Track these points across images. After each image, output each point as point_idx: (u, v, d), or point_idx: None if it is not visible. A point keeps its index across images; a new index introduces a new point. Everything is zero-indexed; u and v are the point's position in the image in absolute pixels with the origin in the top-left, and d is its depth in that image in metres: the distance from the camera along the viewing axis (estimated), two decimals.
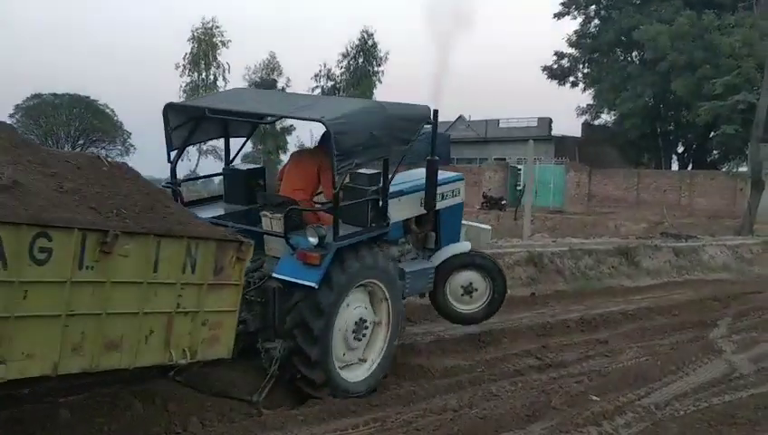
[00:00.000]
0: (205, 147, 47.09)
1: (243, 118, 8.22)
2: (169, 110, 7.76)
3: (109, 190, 5.10)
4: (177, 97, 46.03)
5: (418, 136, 7.83)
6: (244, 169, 8.57)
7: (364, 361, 7.47)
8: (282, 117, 7.67)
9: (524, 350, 9.30)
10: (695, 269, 17.94)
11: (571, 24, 51.89)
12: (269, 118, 8.64)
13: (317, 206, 7.85)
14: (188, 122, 7.88)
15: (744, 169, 36.70)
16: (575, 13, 50.10)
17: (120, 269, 4.78)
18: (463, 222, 9.41)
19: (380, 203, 7.58)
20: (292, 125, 44.64)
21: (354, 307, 7.24)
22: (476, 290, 8.99)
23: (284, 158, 50.81)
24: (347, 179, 7.37)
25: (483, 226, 10.43)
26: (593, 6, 49.99)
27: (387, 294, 7.55)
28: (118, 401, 5.79)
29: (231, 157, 8.70)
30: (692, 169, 47.33)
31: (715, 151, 45.57)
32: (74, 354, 4.56)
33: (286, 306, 6.80)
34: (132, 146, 51.50)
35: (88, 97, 48.35)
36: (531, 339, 9.88)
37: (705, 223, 29.31)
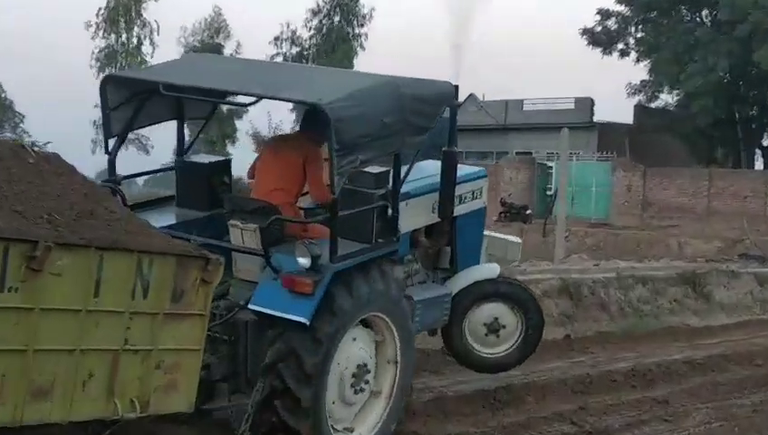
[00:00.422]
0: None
1: (211, 99, 8.11)
2: (109, 84, 7.60)
3: (37, 189, 5.04)
4: (88, 67, 46.15)
5: (438, 122, 7.74)
6: (205, 162, 8.39)
7: (351, 431, 7.23)
8: (263, 97, 7.26)
9: (556, 412, 9.25)
10: None
11: None
12: (247, 99, 7.88)
13: (303, 213, 7.60)
14: (132, 100, 7.60)
15: None
16: None
17: (52, 292, 4.70)
18: (486, 233, 9.40)
19: (390, 211, 7.40)
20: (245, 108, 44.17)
21: (358, 346, 7.10)
22: (504, 327, 8.98)
23: (232, 150, 50.81)
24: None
25: (511, 238, 10.38)
26: None
27: (401, 333, 7.42)
28: None
29: (185, 146, 8.48)
30: None
31: None
32: None
33: (265, 343, 6.61)
34: (26, 132, 51.36)
35: None
36: (565, 397, 9.84)
37: None
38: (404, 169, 7.45)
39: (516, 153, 50.14)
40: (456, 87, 8.10)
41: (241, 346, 6.70)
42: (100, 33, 45.69)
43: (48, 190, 5.08)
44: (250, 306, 6.58)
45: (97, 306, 4.95)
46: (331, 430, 6.87)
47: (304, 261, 6.45)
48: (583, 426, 8.81)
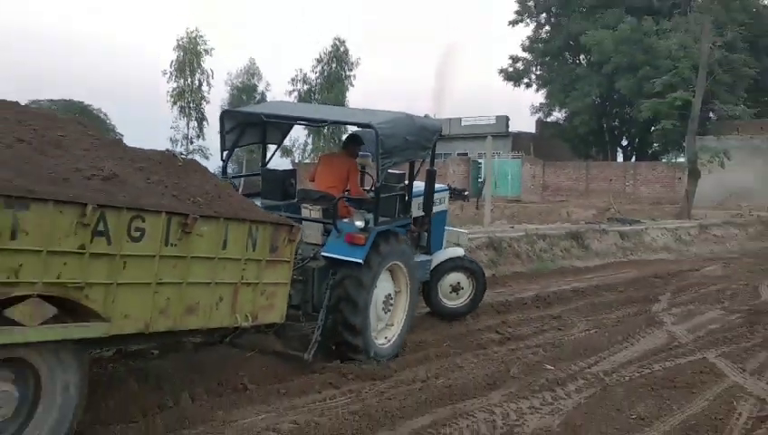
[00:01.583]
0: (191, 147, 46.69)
1: (306, 123, 8.91)
2: (225, 116, 8.26)
3: (185, 182, 5.37)
4: (165, 101, 45.64)
5: (434, 144, 8.56)
6: (281, 170, 8.89)
7: (391, 325, 7.81)
8: (338, 123, 8.54)
9: (486, 325, 9.30)
10: (638, 250, 18.16)
11: (525, 31, 52.04)
12: (325, 122, 8.85)
13: (349, 202, 7.98)
14: (237, 127, 8.16)
15: (681, 159, 37.16)
16: (528, 20, 50.32)
17: (197, 246, 5.08)
18: (446, 227, 9.61)
19: (406, 198, 8.27)
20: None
21: (383, 285, 7.51)
22: (462, 289, 9.35)
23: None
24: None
25: (461, 230, 10.57)
26: (544, 14, 50.24)
27: (407, 273, 7.89)
28: (113, 379, 5.75)
29: (266, 160, 8.87)
30: (635, 160, 47.77)
31: (655, 144, 46.02)
32: (161, 316, 4.90)
33: (330, 283, 7.05)
34: None
35: (82, 102, 47.74)
36: (492, 315, 9.88)
37: (648, 209, 29.62)
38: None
39: (457, 154, 49.87)
40: (441, 127, 9.08)
41: (309, 284, 7.10)
42: (173, 78, 44.94)
43: (191, 182, 5.43)
44: (323, 253, 7.12)
45: (224, 255, 5.35)
46: (374, 338, 7.37)
47: (360, 224, 7.04)
48: (504, 334, 8.85)
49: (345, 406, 5.79)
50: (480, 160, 44.29)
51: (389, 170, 7.98)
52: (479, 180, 41.80)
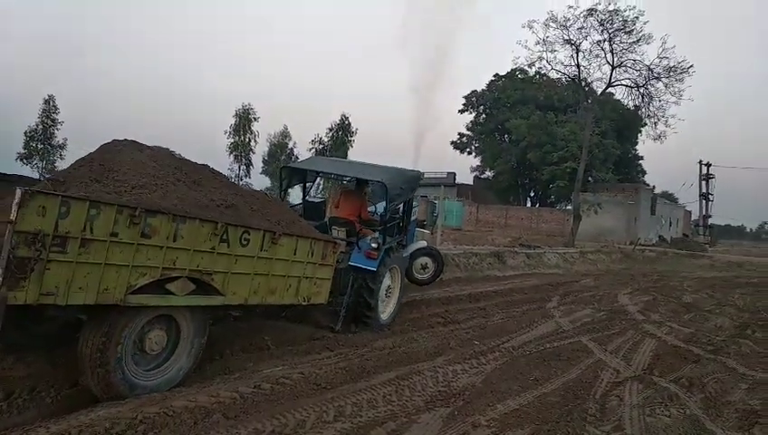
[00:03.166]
0: (241, 183, 46.34)
1: (338, 177, 9.12)
2: (284, 168, 8.89)
3: (272, 210, 5.73)
4: (224, 152, 45.26)
5: (417, 188, 8.72)
6: (317, 201, 8.97)
7: (389, 305, 8.01)
8: (359, 178, 8.50)
9: (434, 313, 9.27)
10: (539, 266, 18.20)
11: (468, 117, 52.54)
12: (350, 177, 8.84)
13: (361, 224, 8.16)
14: (288, 175, 8.50)
15: (569, 207, 37.48)
16: (471, 109, 50.94)
17: (279, 252, 5.40)
18: (416, 229, 9.75)
19: (401, 224, 8.51)
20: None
21: (386, 280, 7.74)
22: (428, 267, 9.38)
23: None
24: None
25: (425, 231, 10.66)
26: (482, 107, 50.84)
27: (399, 272, 8.20)
28: None
29: (305, 194, 8.92)
30: (539, 206, 48.10)
31: (552, 196, 46.35)
32: (254, 295, 5.23)
33: (353, 281, 7.28)
34: None
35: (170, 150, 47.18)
36: (438, 306, 9.85)
37: (546, 239, 29.75)
38: (403, 207, 8.61)
39: (420, 196, 49.88)
40: (421, 175, 9.28)
41: (339, 278, 7.00)
42: (231, 135, 44.78)
43: (275, 211, 5.80)
44: (349, 263, 7.26)
45: (294, 258, 5.63)
46: (380, 314, 7.63)
47: (374, 244, 7.37)
48: (446, 319, 8.79)
49: (336, 363, 5.72)
50: (435, 201, 44.24)
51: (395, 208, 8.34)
52: (434, 215, 41.62)
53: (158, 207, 4.30)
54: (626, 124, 40.92)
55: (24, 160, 36.95)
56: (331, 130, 46.29)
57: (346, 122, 46.45)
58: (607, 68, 26.52)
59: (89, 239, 3.87)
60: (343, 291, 7.27)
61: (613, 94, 32.82)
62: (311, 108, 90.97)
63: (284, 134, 47.49)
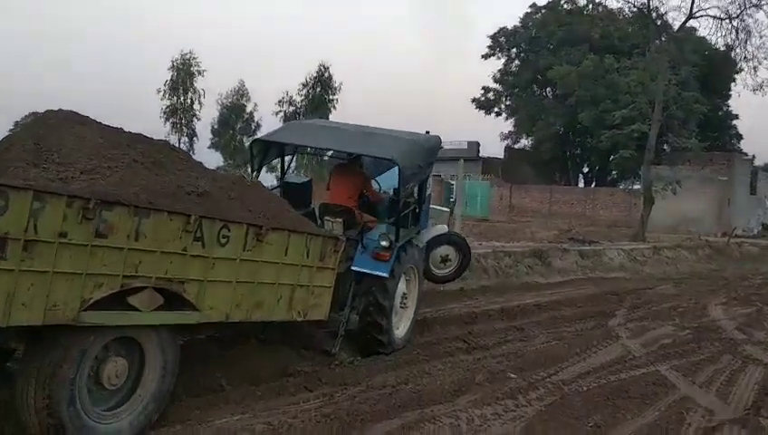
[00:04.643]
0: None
1: (331, 154, 9.32)
2: (255, 143, 8.83)
3: (254, 199, 5.88)
4: (158, 118, 45.24)
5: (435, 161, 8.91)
6: (299, 181, 9.14)
7: (405, 316, 8.27)
8: (360, 154, 8.44)
9: (454, 335, 9.20)
10: (596, 269, 18.15)
11: (496, 64, 52.42)
12: (351, 154, 8.76)
13: (361, 209, 8.26)
14: (262, 151, 8.55)
15: (637, 186, 37.41)
16: (499, 54, 50.76)
17: (266, 253, 5.58)
18: (430, 206, 9.87)
19: (416, 210, 8.68)
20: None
21: (400, 286, 7.92)
22: (450, 260, 9.62)
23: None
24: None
25: (442, 208, 10.87)
26: (514, 49, 50.67)
27: (417, 272, 8.42)
28: None
29: (283, 174, 9.10)
30: (595, 186, 48.11)
31: (614, 172, 46.39)
32: (237, 309, 5.43)
33: (358, 292, 7.49)
34: None
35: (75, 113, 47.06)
36: (459, 326, 9.78)
37: (606, 231, 29.72)
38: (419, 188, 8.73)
39: (432, 175, 49.93)
40: (440, 140, 9.34)
41: (338, 286, 6.97)
42: (166, 96, 44.66)
43: (257, 200, 5.97)
44: (353, 268, 7.38)
45: (285, 261, 5.83)
46: (394, 330, 7.80)
47: (386, 243, 7.39)
48: (470, 343, 8.76)
49: (318, 409, 5.65)
50: (452, 182, 44.31)
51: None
52: (451, 200, 41.57)
53: (115, 197, 4.42)
54: (714, 71, 40.77)
55: None
56: (305, 86, 46.30)
57: (325, 75, 46.41)
58: None
59: (33, 241, 3.97)
60: (342, 303, 7.36)
61: (696, 30, 32.76)
62: (277, 57, 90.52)
63: (240, 93, 47.56)
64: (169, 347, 5.09)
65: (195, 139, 45.73)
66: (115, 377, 4.77)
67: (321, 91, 46.12)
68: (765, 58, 26.97)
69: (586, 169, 51.32)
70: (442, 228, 9.66)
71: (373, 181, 8.76)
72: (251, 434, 4.98)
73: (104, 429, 4.69)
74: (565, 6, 46.44)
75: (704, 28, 37.33)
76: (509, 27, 50.57)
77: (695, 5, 26.40)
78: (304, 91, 46.21)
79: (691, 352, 8.93)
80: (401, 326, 8.10)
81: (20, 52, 70.56)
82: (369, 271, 7.36)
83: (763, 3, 25.84)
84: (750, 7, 26.12)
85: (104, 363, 4.69)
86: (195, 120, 45.71)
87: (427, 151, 8.51)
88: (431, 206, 9.80)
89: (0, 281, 3.87)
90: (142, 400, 4.96)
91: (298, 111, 45.03)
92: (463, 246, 9.70)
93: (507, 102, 52.03)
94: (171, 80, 44.66)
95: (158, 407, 5.09)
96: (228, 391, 6.08)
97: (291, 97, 46.08)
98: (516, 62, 51.06)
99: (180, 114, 44.81)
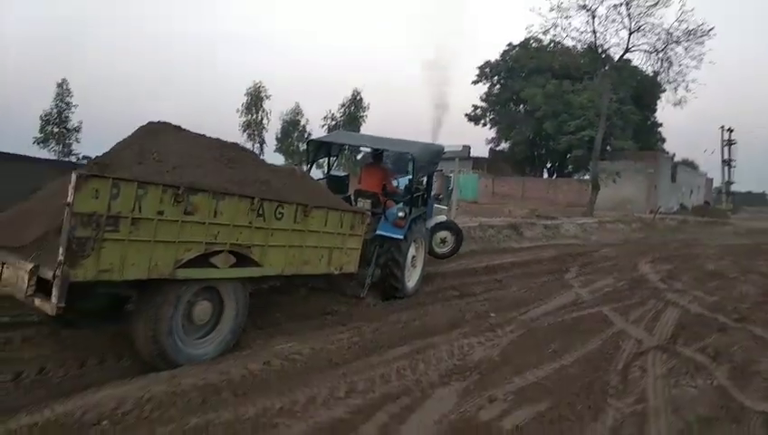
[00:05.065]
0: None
1: (367, 148, 9.21)
2: (310, 142, 8.87)
3: (303, 185, 5.90)
4: (238, 131, 45.14)
5: (439, 162, 8.93)
6: (340, 175, 9.00)
7: (414, 274, 8.13)
8: (388, 149, 8.72)
9: (450, 285, 9.08)
10: (556, 237, 17.94)
11: (483, 88, 51.66)
12: (380, 148, 8.75)
13: (385, 196, 8.26)
14: (314, 149, 8.58)
15: (587, 177, 36.88)
16: (485, 80, 50.04)
17: (311, 224, 5.54)
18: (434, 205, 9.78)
19: (424, 196, 8.64)
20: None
21: (411, 250, 7.81)
22: (446, 241, 9.46)
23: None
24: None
25: (442, 207, 10.53)
26: (496, 77, 49.85)
27: (423, 243, 8.30)
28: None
29: (329, 168, 9.10)
30: (556, 177, 47.46)
31: (570, 166, 45.67)
32: (290, 265, 5.40)
33: (380, 250, 7.42)
34: None
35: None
36: (454, 278, 9.65)
37: (564, 210, 29.37)
38: (427, 181, 8.83)
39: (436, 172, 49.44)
40: (443, 148, 9.31)
41: (365, 249, 6.84)
42: (243, 114, 44.60)
43: (306, 186, 5.99)
44: (377, 232, 7.38)
45: (326, 229, 5.76)
46: (406, 281, 7.75)
47: (401, 214, 7.48)
48: (462, 291, 8.63)
49: (349, 339, 5.62)
50: (450, 175, 43.93)
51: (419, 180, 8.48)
52: (449, 188, 41.32)
53: (199, 185, 4.49)
54: (644, 91, 39.85)
55: (41, 144, 37.27)
56: (343, 105, 45.94)
57: (358, 97, 46.06)
58: (624, 33, 25.91)
59: (138, 218, 4.07)
60: (368, 262, 7.35)
61: (630, 61, 31.99)
62: (322, 84, 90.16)
63: (296, 111, 47.20)
64: (241, 294, 5.10)
65: (264, 145, 45.58)
66: (202, 315, 4.84)
67: (354, 108, 45.77)
68: (683, 81, 26.40)
69: (549, 165, 50.57)
70: (442, 217, 9.59)
71: (395, 181, 9.04)
72: (300, 356, 4.96)
73: (194, 352, 4.77)
74: (533, 45, 45.56)
75: (637, 59, 36.52)
76: (492, 60, 49.88)
77: (630, 42, 25.90)
78: (342, 110, 45.90)
79: (626, 298, 8.78)
80: (412, 280, 8.02)
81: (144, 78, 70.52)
82: (389, 235, 7.38)
83: (681, 40, 25.22)
84: (671, 44, 25.58)
85: (194, 306, 4.76)
86: (264, 131, 45.58)
87: (433, 153, 8.50)
88: (435, 205, 9.68)
89: (115, 247, 3.98)
90: (222, 332, 5.00)
91: (338, 124, 44.72)
92: (457, 230, 9.56)
93: (491, 116, 51.14)
94: (247, 102, 44.55)
95: (234, 337, 5.11)
96: (284, 325, 6.08)
97: (332, 114, 45.82)
98: (497, 86, 50.15)
99: (253, 127, 44.67)
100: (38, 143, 37.17)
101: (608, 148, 36.35)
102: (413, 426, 3.80)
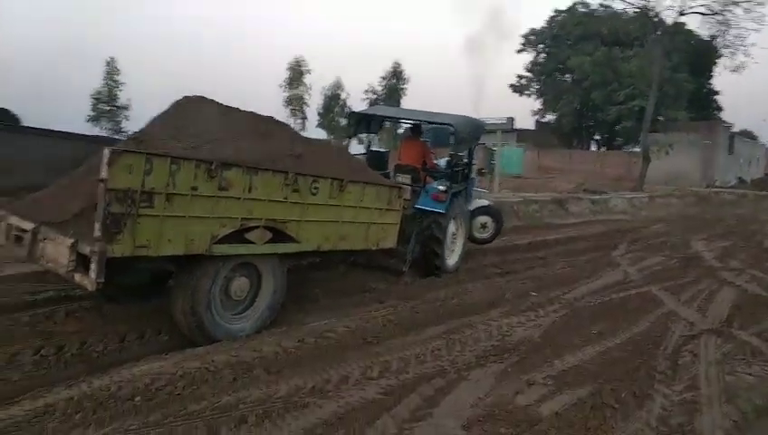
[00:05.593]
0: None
1: (408, 121, 8.84)
2: (351, 115, 8.72)
3: (339, 160, 5.77)
4: (281, 105, 45.34)
5: (480, 137, 8.64)
6: (382, 151, 8.97)
7: (454, 251, 7.98)
8: (430, 122, 8.41)
9: (491, 262, 8.90)
10: (603, 212, 17.43)
11: (527, 57, 50.17)
12: (421, 121, 8.61)
13: (425, 171, 8.12)
14: (356, 122, 8.44)
15: (637, 149, 35.63)
16: (530, 49, 48.59)
17: (347, 199, 5.44)
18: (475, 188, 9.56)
19: (465, 171, 8.40)
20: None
21: (450, 227, 7.69)
22: (487, 226, 9.22)
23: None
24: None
25: (483, 190, 10.41)
26: (541, 45, 48.30)
27: (462, 221, 8.11)
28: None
29: (369, 144, 9.04)
30: (604, 150, 46.00)
31: (619, 138, 44.14)
32: (326, 241, 5.32)
33: (420, 226, 7.29)
34: None
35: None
36: (495, 255, 9.46)
37: (612, 184, 28.43)
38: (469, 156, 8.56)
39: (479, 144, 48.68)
40: (485, 124, 9.22)
41: (405, 225, 6.70)
42: (285, 88, 44.73)
43: (343, 160, 5.87)
44: (416, 206, 7.21)
45: (362, 204, 5.65)
46: (446, 259, 7.63)
47: (442, 187, 7.37)
48: (502, 269, 8.44)
49: (385, 317, 5.52)
50: (494, 148, 43.08)
51: (458, 154, 8.32)
52: (492, 162, 40.50)
53: (232, 160, 4.42)
54: (700, 57, 37.96)
55: (94, 122, 38.48)
56: (384, 78, 45.49)
57: (398, 70, 45.48)
58: None
59: (172, 194, 4.04)
60: (408, 238, 7.24)
61: (685, 24, 30.33)
62: (364, 58, 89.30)
63: (337, 85, 46.99)
64: (278, 270, 5.08)
65: (306, 120, 45.69)
66: (240, 291, 4.84)
67: (395, 82, 45.24)
68: (741, 45, 24.83)
69: (597, 137, 49.00)
70: (484, 202, 9.35)
71: (435, 158, 8.86)
72: (334, 334, 4.91)
73: (232, 327, 4.80)
74: (580, 10, 43.82)
75: (692, 22, 34.67)
76: (537, 28, 48.24)
77: (684, 4, 24.45)
78: (384, 83, 45.45)
79: (677, 276, 8.40)
80: (452, 257, 7.87)
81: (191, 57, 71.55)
82: (429, 208, 7.26)
83: (740, 1, 23.62)
84: (730, 4, 23.99)
85: (232, 281, 4.76)
86: (305, 106, 45.61)
87: (474, 128, 8.24)
88: (476, 189, 9.45)
89: (150, 223, 3.95)
90: (260, 308, 5.00)
91: (379, 98, 44.34)
92: (498, 216, 9.30)
93: (536, 87, 49.84)
94: (289, 77, 44.60)
95: (272, 314, 5.11)
96: (322, 302, 6.04)
97: (373, 87, 45.45)
98: (543, 54, 48.67)
99: (295, 103, 44.77)
100: (91, 121, 38.41)
101: (660, 118, 34.86)
102: (447, 409, 3.70)
